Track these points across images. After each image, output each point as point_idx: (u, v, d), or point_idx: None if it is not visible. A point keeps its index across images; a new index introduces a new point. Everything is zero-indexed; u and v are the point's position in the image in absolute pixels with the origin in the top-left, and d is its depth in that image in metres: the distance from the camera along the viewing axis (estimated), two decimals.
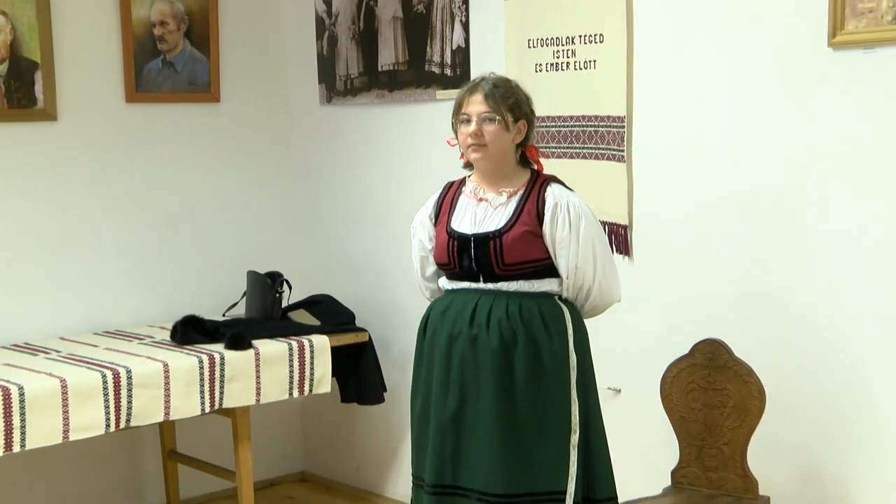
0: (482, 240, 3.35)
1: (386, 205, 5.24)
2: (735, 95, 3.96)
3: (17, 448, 4.13)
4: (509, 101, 3.38)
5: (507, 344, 3.31)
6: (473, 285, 3.40)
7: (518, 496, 3.30)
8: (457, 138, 3.46)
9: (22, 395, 4.12)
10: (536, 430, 3.32)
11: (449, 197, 3.53)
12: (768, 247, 3.93)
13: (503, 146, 3.38)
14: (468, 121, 3.37)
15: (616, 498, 3.48)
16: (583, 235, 3.35)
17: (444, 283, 3.51)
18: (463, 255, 3.38)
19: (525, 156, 3.47)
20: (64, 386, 4.22)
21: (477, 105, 3.36)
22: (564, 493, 3.31)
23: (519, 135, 3.41)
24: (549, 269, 3.37)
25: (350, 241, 5.50)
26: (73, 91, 5.03)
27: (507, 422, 3.31)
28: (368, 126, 5.32)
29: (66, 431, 4.23)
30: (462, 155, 3.50)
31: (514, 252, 3.33)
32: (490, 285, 3.36)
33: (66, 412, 4.21)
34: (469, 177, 3.52)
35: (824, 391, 3.82)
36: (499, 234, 3.34)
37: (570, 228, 3.34)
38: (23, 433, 4.13)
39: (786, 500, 3.89)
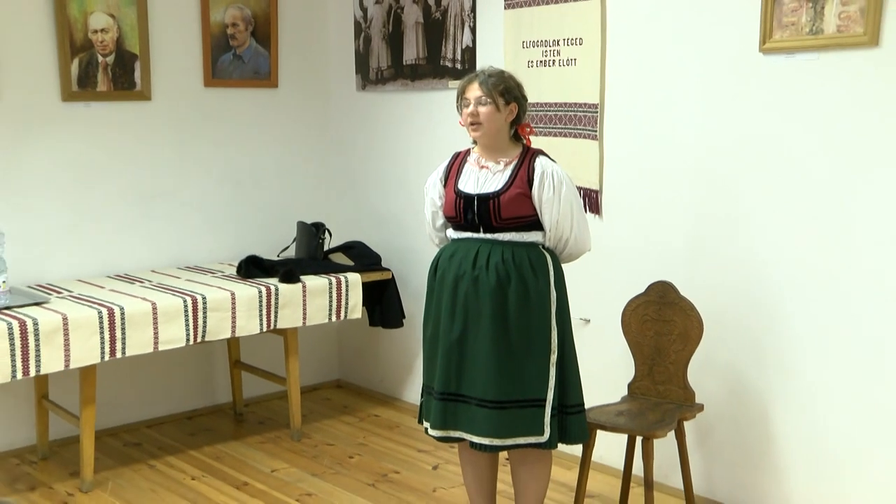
0: (483, 198, 3.34)
1: (406, 170, 5.22)
2: (686, 88, 3.96)
3: (119, 355, 4.22)
4: (500, 87, 3.35)
5: (503, 282, 3.31)
6: (475, 235, 3.39)
7: (508, 402, 3.30)
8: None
9: (122, 314, 4.19)
10: (524, 350, 3.32)
11: (456, 164, 3.51)
12: (710, 208, 3.94)
13: (496, 124, 3.36)
14: (468, 104, 3.37)
15: (583, 405, 3.46)
16: (563, 197, 3.34)
17: (451, 233, 3.50)
18: (467, 210, 3.38)
19: (517, 133, 3.45)
20: (154, 308, 4.28)
21: (474, 91, 3.36)
22: (545, 399, 3.32)
23: (511, 115, 3.38)
24: (535, 223, 3.37)
25: (377, 199, 5.47)
26: (164, 77, 5.05)
27: (500, 344, 3.31)
28: (394, 108, 5.30)
29: (155, 343, 4.30)
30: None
31: (509, 209, 3.32)
32: (488, 235, 3.36)
33: (155, 328, 4.28)
34: (473, 148, 3.49)
35: (750, 323, 3.85)
36: (497, 194, 3.33)
37: (553, 191, 3.33)
38: (123, 343, 4.21)
39: (717, 406, 3.95)
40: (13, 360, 3.91)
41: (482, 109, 3.34)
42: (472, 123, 3.38)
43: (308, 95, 5.59)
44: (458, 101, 3.45)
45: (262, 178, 5.46)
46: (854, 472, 3.61)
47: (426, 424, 3.51)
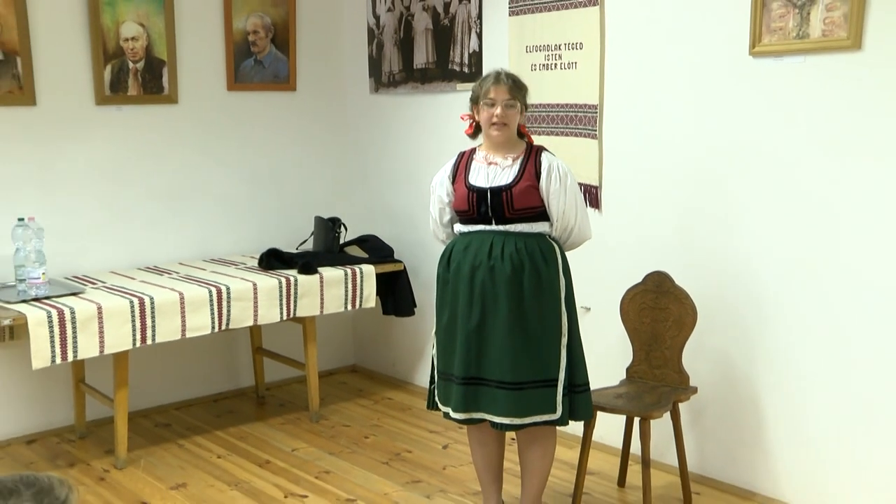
0: (496, 191, 3.34)
1: (417, 168, 5.20)
2: (681, 90, 3.96)
3: (149, 341, 4.24)
4: (522, 91, 3.40)
5: (517, 271, 3.31)
6: (487, 227, 3.38)
7: (524, 383, 3.31)
8: (474, 116, 3.45)
9: (152, 303, 4.21)
10: (538, 334, 3.33)
11: (463, 162, 3.50)
12: (703, 203, 3.94)
13: (515, 125, 3.40)
14: (493, 105, 3.34)
15: (589, 384, 3.48)
16: (569, 188, 3.36)
17: (460, 227, 3.48)
18: (481, 204, 3.37)
19: (520, 130, 3.47)
20: (182, 298, 4.29)
21: (502, 94, 3.33)
22: (557, 379, 3.34)
23: (523, 116, 3.44)
24: (542, 214, 3.38)
25: (390, 195, 5.47)
26: (190, 82, 5.05)
27: (517, 329, 3.31)
28: (405, 110, 5.30)
29: (183, 330, 4.31)
30: (469, 128, 3.50)
31: (521, 200, 3.33)
32: (500, 227, 3.36)
33: (183, 317, 4.29)
34: (479, 147, 3.49)
35: (740, 311, 3.85)
36: (509, 187, 3.34)
37: (560, 183, 3.35)
38: (153, 331, 4.23)
39: (709, 389, 3.96)
40: (52, 347, 3.93)
41: (509, 112, 3.35)
42: (497, 124, 3.36)
43: (324, 98, 5.58)
44: (478, 102, 3.42)
45: (282, 175, 5.45)
46: (833, 450, 3.62)
47: (446, 409, 3.50)
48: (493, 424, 3.38)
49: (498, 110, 3.34)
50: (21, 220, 4.28)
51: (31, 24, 4.49)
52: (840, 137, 3.48)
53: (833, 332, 3.58)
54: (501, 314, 3.33)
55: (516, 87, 3.38)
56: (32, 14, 4.49)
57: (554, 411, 3.34)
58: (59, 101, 4.63)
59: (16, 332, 4.08)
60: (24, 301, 4.08)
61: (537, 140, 3.69)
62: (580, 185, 3.71)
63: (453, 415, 3.45)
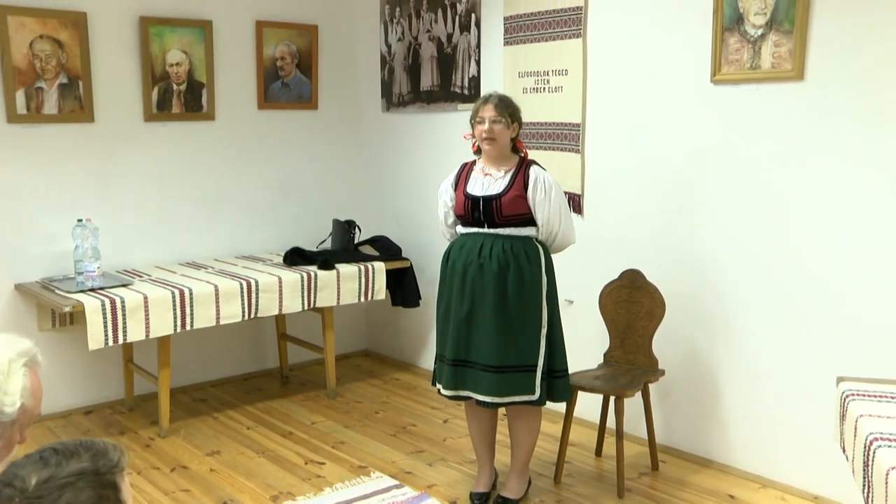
0: (487, 200, 3.34)
1: (423, 177, 5.15)
2: (653, 111, 3.96)
3: (188, 327, 4.25)
4: (509, 109, 3.37)
5: (503, 269, 3.30)
6: (480, 230, 3.38)
7: (507, 367, 3.32)
8: (473, 134, 3.43)
9: (191, 294, 4.22)
10: (520, 325, 3.32)
11: (464, 172, 3.49)
12: (671, 209, 3.94)
13: (504, 139, 3.37)
14: (482, 122, 3.35)
15: (567, 370, 3.48)
16: (553, 198, 3.34)
17: (460, 228, 3.48)
18: (475, 210, 3.36)
19: (515, 146, 3.46)
20: (216, 290, 4.29)
21: (489, 112, 3.34)
22: (536, 365, 3.34)
23: (513, 132, 3.40)
24: (529, 220, 3.36)
25: (399, 201, 5.42)
26: (225, 101, 5.04)
27: (501, 319, 3.31)
28: (413, 127, 5.26)
29: (217, 318, 4.31)
30: (473, 146, 3.48)
31: (509, 208, 3.32)
32: (491, 230, 3.35)
33: (217, 306, 4.29)
34: (478, 159, 3.48)
35: (703, 303, 3.86)
36: (499, 196, 3.33)
37: (544, 194, 3.32)
38: (191, 318, 4.23)
39: (675, 371, 3.97)
40: (106, 331, 3.96)
41: (496, 127, 3.33)
42: (487, 138, 3.35)
43: (342, 116, 5.55)
44: (472, 120, 3.42)
45: (304, 183, 5.42)
46: (779, 424, 3.65)
47: (439, 386, 3.50)
48: (478, 402, 3.37)
49: (486, 126, 3.35)
50: (80, 220, 4.30)
51: (91, 53, 4.51)
52: (787, 152, 3.50)
53: (786, 318, 3.58)
54: (488, 306, 3.32)
55: (502, 106, 3.35)
56: (93, 44, 4.52)
57: (533, 393, 3.34)
58: (113, 119, 4.64)
59: (75, 318, 4.15)
60: (81, 291, 4.10)
61: (531, 154, 3.67)
62: (565, 193, 3.69)
63: (443, 391, 3.46)
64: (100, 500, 1.48)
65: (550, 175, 3.41)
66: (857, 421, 2.33)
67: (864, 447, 2.21)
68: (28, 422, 1.71)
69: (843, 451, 2.51)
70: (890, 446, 2.12)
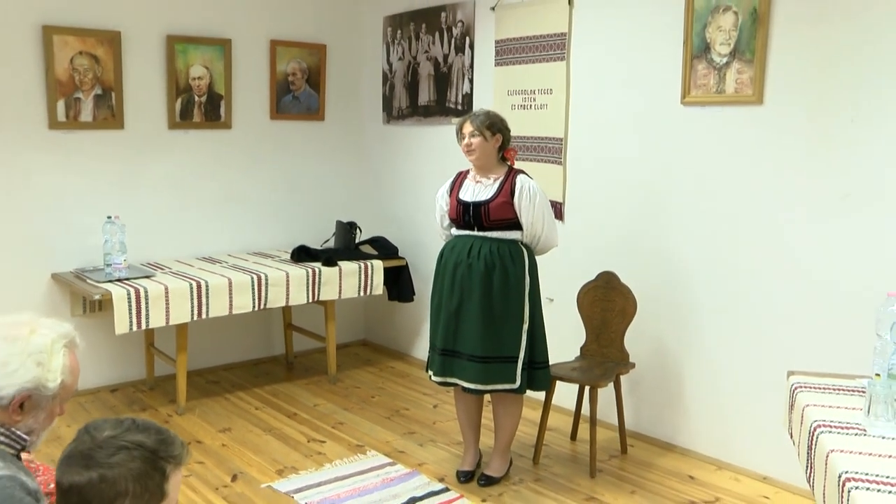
0: (477, 205, 3.34)
1: (418, 183, 5.15)
2: (628, 129, 3.97)
3: (204, 316, 4.25)
4: (486, 123, 3.33)
5: (489, 269, 3.30)
6: (470, 233, 3.38)
7: (490, 357, 3.32)
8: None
9: (207, 286, 4.22)
10: (503, 320, 3.32)
11: (459, 180, 3.48)
12: (643, 217, 3.95)
13: (485, 150, 3.34)
14: (464, 137, 3.37)
15: (548, 362, 3.48)
16: (537, 205, 3.33)
17: (453, 230, 3.47)
18: (465, 214, 3.36)
19: (504, 157, 3.44)
20: (230, 282, 4.29)
21: (468, 127, 3.35)
22: (517, 357, 3.35)
23: (497, 142, 3.36)
24: (515, 224, 3.35)
25: (396, 205, 5.39)
26: (242, 112, 5.05)
27: (486, 314, 3.31)
28: (411, 138, 5.25)
29: (230, 308, 4.31)
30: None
31: (496, 213, 3.32)
32: (480, 233, 3.35)
33: (230, 297, 4.29)
34: (471, 168, 3.46)
35: (671, 303, 3.87)
36: (487, 202, 3.33)
37: (529, 201, 3.31)
38: (207, 308, 4.24)
39: (644, 364, 3.97)
40: (130, 317, 3.98)
41: (474, 140, 3.33)
42: (468, 151, 3.37)
43: (347, 127, 5.54)
44: (457, 135, 3.43)
45: (311, 187, 5.41)
46: (738, 411, 3.66)
47: (430, 373, 3.50)
48: (464, 388, 3.37)
49: (465, 140, 3.36)
50: (109, 217, 4.30)
51: (123, 67, 4.54)
52: (747, 168, 3.52)
53: (742, 320, 3.60)
54: (474, 302, 3.32)
55: (478, 121, 3.34)
56: (125, 59, 4.55)
57: (514, 382, 3.34)
58: (141, 126, 4.66)
59: (103, 305, 4.20)
60: (109, 281, 4.11)
61: (518, 165, 3.66)
62: (549, 201, 3.64)
63: (433, 377, 3.46)
64: (144, 475, 1.53)
65: (536, 183, 3.41)
66: (803, 410, 2.37)
67: (809, 433, 2.25)
68: (67, 396, 1.74)
69: (791, 436, 2.54)
70: (831, 432, 2.16)
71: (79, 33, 4.39)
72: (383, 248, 5.17)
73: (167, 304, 4.09)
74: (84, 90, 4.44)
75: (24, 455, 1.74)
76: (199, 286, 4.20)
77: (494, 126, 3.37)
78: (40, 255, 4.43)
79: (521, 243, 3.40)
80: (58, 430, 3.74)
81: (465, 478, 3.56)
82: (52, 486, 2.37)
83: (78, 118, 4.45)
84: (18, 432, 1.66)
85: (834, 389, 2.51)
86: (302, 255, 4.80)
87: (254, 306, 4.39)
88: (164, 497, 1.56)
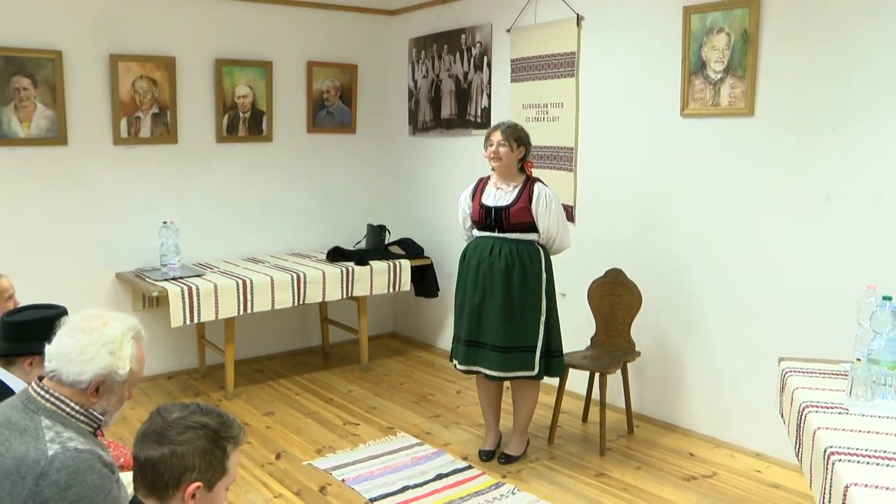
0: (498, 209, 3.34)
1: (441, 190, 5.15)
2: (632, 138, 3.97)
3: (249, 311, 4.28)
4: (514, 135, 3.34)
5: (509, 267, 3.31)
6: (492, 234, 3.38)
7: (511, 347, 3.32)
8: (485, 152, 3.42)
9: (251, 284, 4.25)
10: (522, 313, 3.32)
11: (480, 186, 3.47)
12: (647, 219, 3.95)
13: (509, 160, 3.35)
14: (492, 144, 3.36)
15: (562, 350, 3.47)
16: (552, 210, 3.34)
17: (475, 232, 3.46)
18: (487, 217, 3.37)
19: (523, 167, 3.43)
20: (272, 280, 4.31)
21: (497, 136, 3.35)
22: (535, 346, 3.35)
23: (520, 154, 3.37)
24: (532, 227, 3.35)
25: (422, 209, 5.37)
26: (281, 126, 5.07)
27: (506, 308, 3.31)
28: (434, 149, 5.25)
29: (272, 303, 4.33)
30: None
31: (515, 217, 3.33)
32: (500, 234, 3.35)
33: (272, 294, 4.31)
34: (492, 175, 3.45)
35: (673, 297, 3.86)
36: (508, 207, 3.33)
37: (545, 207, 3.32)
38: (252, 303, 4.27)
39: (649, 353, 3.97)
40: (184, 312, 4.03)
41: (502, 149, 3.33)
42: (494, 158, 3.36)
43: (376, 139, 5.55)
44: (485, 141, 3.41)
45: (344, 193, 5.42)
46: (734, 395, 3.66)
47: (455, 362, 3.51)
48: (486, 376, 3.38)
49: (494, 147, 3.36)
50: (165, 222, 4.37)
51: (177, 88, 4.61)
52: (741, 175, 3.53)
53: (737, 312, 3.60)
54: (496, 297, 3.32)
55: (508, 132, 3.34)
56: (179, 81, 4.61)
57: (532, 369, 3.35)
58: (192, 140, 4.71)
59: (160, 301, 4.27)
60: (165, 280, 4.17)
61: (533, 173, 3.57)
62: (562, 205, 3.67)
63: (458, 366, 3.46)
64: (208, 452, 1.57)
65: (551, 191, 3.42)
66: (793, 392, 2.39)
67: (798, 413, 2.28)
68: (135, 382, 1.77)
69: (782, 416, 2.56)
70: (817, 412, 2.18)
71: (140, 59, 4.48)
72: (410, 248, 5.18)
73: (216, 300, 4.13)
74: (143, 109, 4.53)
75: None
76: (244, 284, 4.22)
77: (521, 140, 3.38)
78: (106, 256, 4.50)
79: (538, 243, 3.41)
80: (123, 413, 3.68)
81: (486, 456, 3.58)
82: (122, 460, 2.45)
83: (138, 135, 4.54)
84: (95, 413, 1.70)
85: (820, 373, 2.52)
86: (336, 255, 4.82)
87: (294, 302, 4.40)
88: (225, 472, 1.59)
